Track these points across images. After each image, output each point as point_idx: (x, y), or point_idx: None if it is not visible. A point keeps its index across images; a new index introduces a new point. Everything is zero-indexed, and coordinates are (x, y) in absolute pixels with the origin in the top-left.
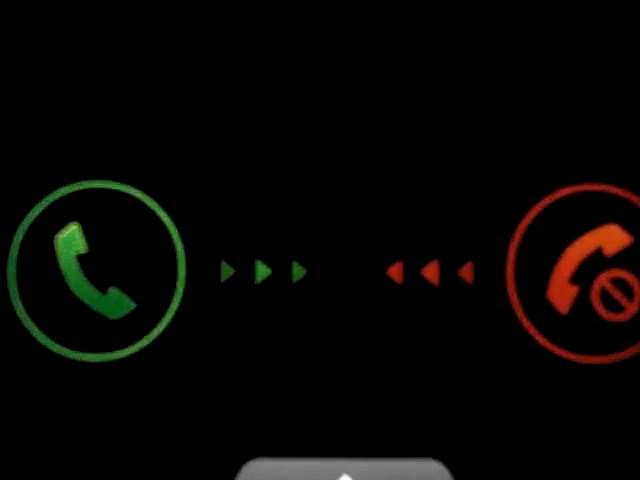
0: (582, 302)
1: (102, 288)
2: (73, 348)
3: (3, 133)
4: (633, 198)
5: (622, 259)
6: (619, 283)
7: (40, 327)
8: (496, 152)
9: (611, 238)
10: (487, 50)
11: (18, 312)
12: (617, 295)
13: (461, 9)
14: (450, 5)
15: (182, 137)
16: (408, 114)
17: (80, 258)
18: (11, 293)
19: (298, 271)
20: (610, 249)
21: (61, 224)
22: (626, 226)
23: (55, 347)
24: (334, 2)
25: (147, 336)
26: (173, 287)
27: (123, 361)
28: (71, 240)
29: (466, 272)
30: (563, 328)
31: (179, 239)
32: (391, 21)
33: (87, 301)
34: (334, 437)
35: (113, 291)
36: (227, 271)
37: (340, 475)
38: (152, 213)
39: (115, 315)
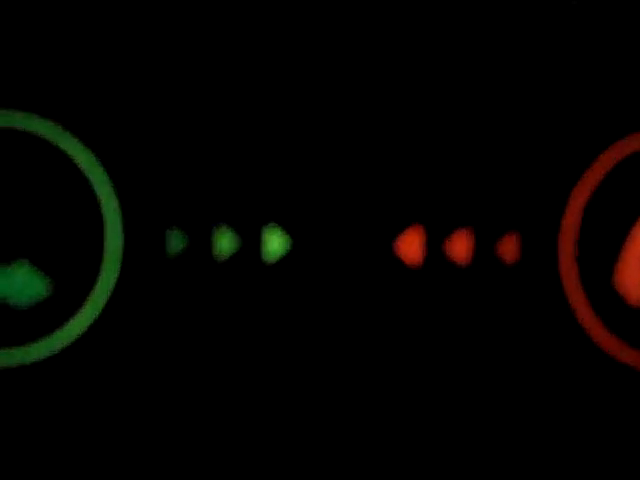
0: None
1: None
2: None
3: None
4: None
5: None
6: None
7: None
8: (547, 95)
9: None
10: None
11: None
12: None
13: None
14: None
15: (118, 62)
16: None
17: None
18: None
19: (275, 243)
20: None
21: None
22: None
23: None
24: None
25: (63, 330)
26: (99, 264)
27: (31, 367)
28: None
29: (506, 248)
30: (632, 323)
31: (113, 200)
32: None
33: None
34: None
35: (20, 266)
36: (177, 243)
37: None
38: (73, 164)
39: (22, 301)
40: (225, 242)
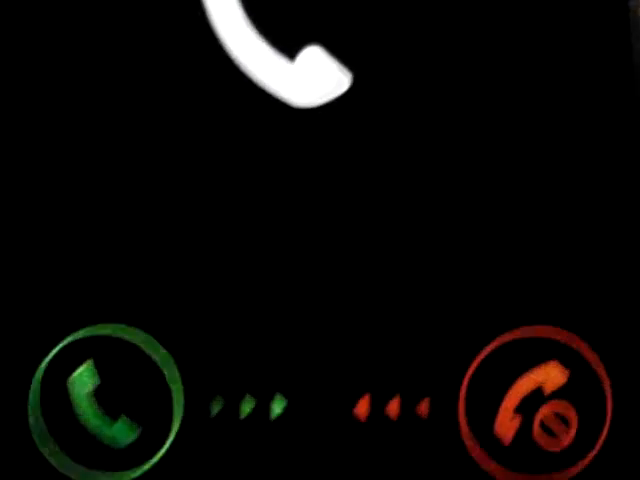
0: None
1: (112, 418)
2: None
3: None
4: (568, 339)
5: (561, 392)
6: (558, 415)
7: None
8: (454, 304)
9: (550, 375)
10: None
11: (44, 440)
12: (555, 426)
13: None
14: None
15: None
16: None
17: (92, 393)
18: (38, 425)
19: (279, 406)
20: (550, 385)
21: (75, 364)
22: (564, 362)
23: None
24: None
25: (149, 460)
26: (170, 419)
27: None
28: (84, 377)
29: (423, 407)
30: (509, 456)
31: (178, 377)
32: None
33: (98, 430)
34: None
35: (121, 421)
36: (217, 405)
37: None
38: (150, 354)
39: (122, 443)
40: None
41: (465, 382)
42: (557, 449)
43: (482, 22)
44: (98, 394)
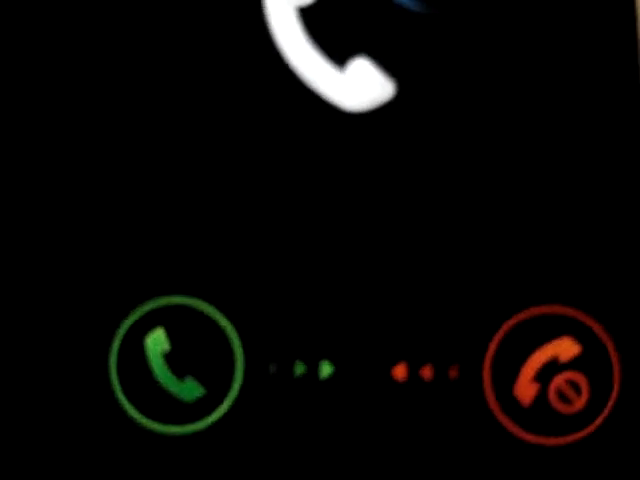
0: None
1: (180, 376)
2: (156, 420)
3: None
4: (581, 316)
5: (574, 363)
6: (571, 383)
7: (134, 405)
8: (479, 279)
9: (565, 348)
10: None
11: (117, 395)
12: (569, 392)
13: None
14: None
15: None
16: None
17: (163, 354)
18: (112, 381)
19: (327, 368)
20: (564, 357)
21: (150, 328)
22: (577, 337)
23: (144, 420)
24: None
25: (212, 415)
26: (232, 378)
27: (192, 435)
28: (157, 339)
29: (453, 372)
30: (527, 417)
31: (239, 342)
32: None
33: (168, 387)
34: None
35: (189, 379)
36: (273, 368)
37: None
38: (215, 322)
39: (189, 399)
40: (299, 367)
41: (490, 351)
42: (570, 413)
43: (510, 25)
44: (169, 355)
